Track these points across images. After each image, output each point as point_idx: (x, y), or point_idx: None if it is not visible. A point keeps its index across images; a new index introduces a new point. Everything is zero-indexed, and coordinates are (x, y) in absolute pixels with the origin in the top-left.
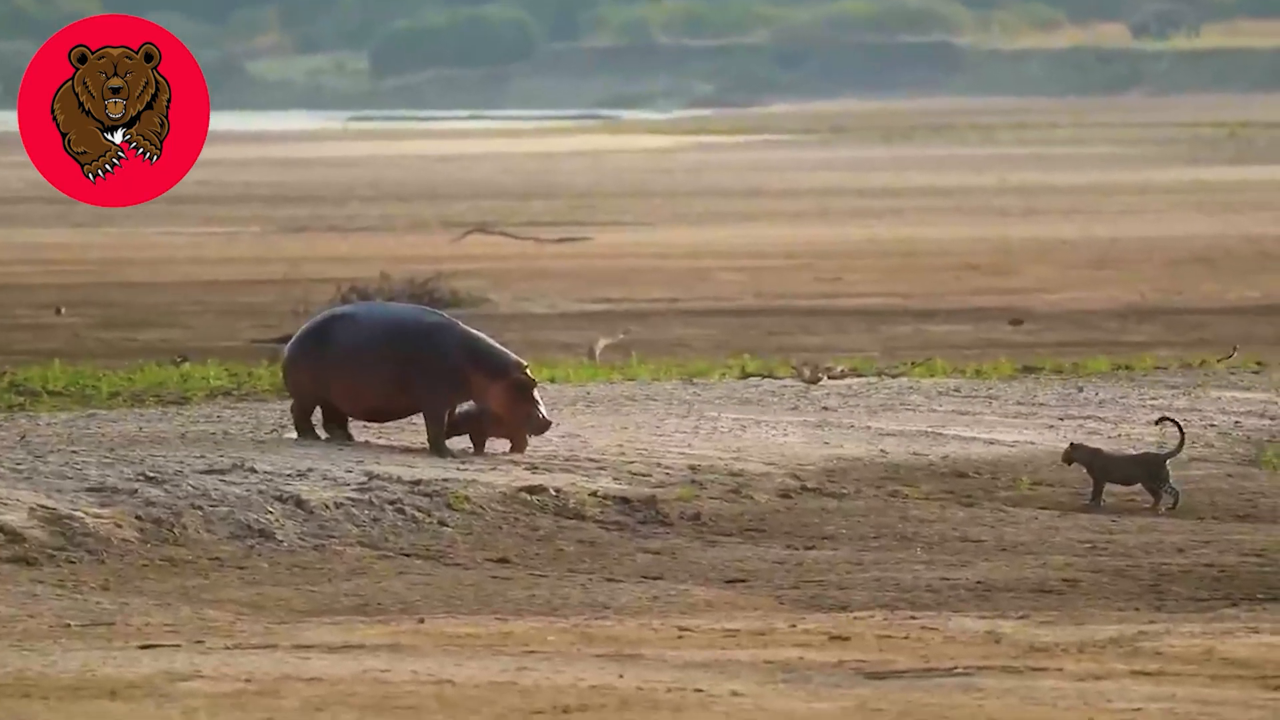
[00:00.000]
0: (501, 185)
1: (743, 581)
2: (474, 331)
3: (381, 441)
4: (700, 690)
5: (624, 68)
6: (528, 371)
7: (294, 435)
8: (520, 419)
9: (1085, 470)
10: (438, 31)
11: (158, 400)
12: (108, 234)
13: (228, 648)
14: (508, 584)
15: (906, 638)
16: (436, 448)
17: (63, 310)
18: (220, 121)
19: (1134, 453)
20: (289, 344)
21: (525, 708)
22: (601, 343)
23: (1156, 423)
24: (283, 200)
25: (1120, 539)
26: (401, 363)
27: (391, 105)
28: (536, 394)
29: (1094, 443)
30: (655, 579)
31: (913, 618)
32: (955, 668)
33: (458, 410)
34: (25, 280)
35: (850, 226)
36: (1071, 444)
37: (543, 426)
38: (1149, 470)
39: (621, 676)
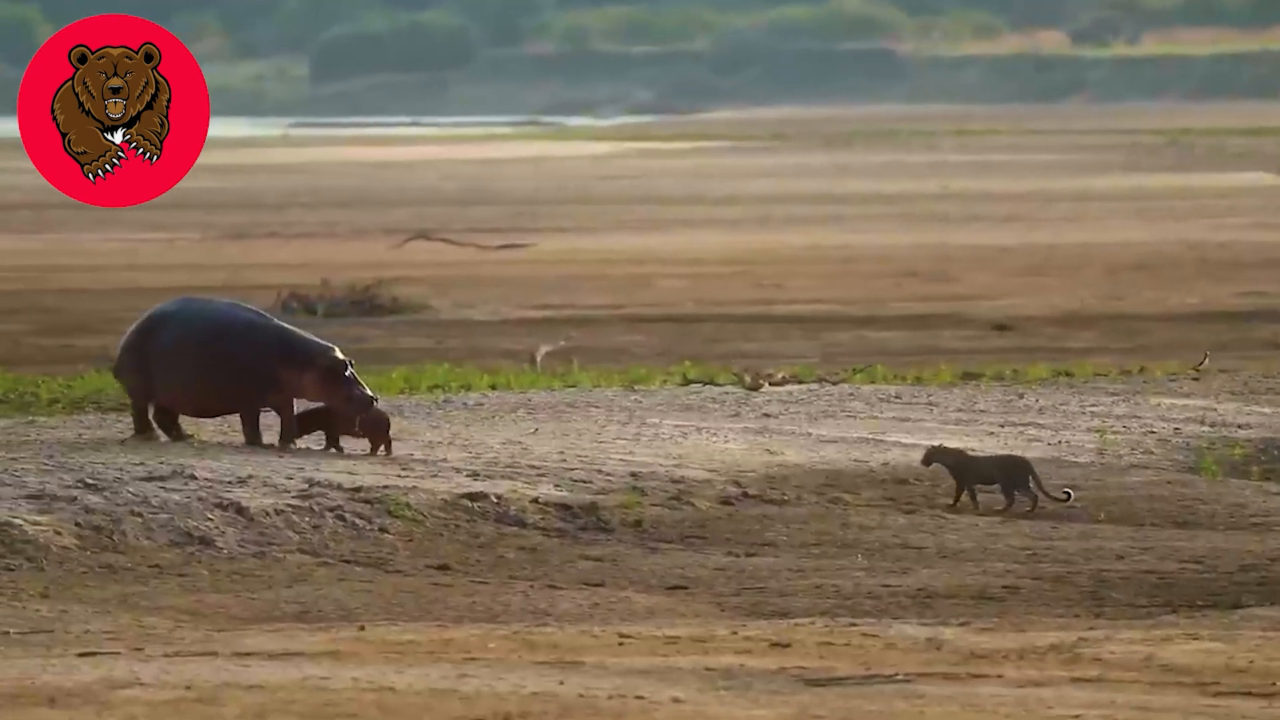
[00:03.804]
0: (442, 192)
1: (684, 588)
2: (286, 326)
3: (320, 447)
4: (641, 697)
5: (565, 74)
6: (335, 353)
7: (165, 438)
8: (340, 403)
9: (948, 473)
10: (378, 37)
11: (97, 407)
12: (46, 240)
13: (167, 655)
14: (448, 591)
15: (847, 644)
16: (251, 444)
17: None
18: None
19: (993, 454)
20: (119, 345)
21: (466, 715)
22: (543, 350)
23: (1065, 499)
24: (223, 206)
25: (1060, 546)
26: (215, 360)
27: (332, 111)
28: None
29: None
30: (596, 586)
31: (853, 624)
32: (896, 674)
33: (306, 409)
34: None
35: (791, 233)
36: (939, 446)
37: (365, 402)
38: (1006, 471)
39: (562, 684)
